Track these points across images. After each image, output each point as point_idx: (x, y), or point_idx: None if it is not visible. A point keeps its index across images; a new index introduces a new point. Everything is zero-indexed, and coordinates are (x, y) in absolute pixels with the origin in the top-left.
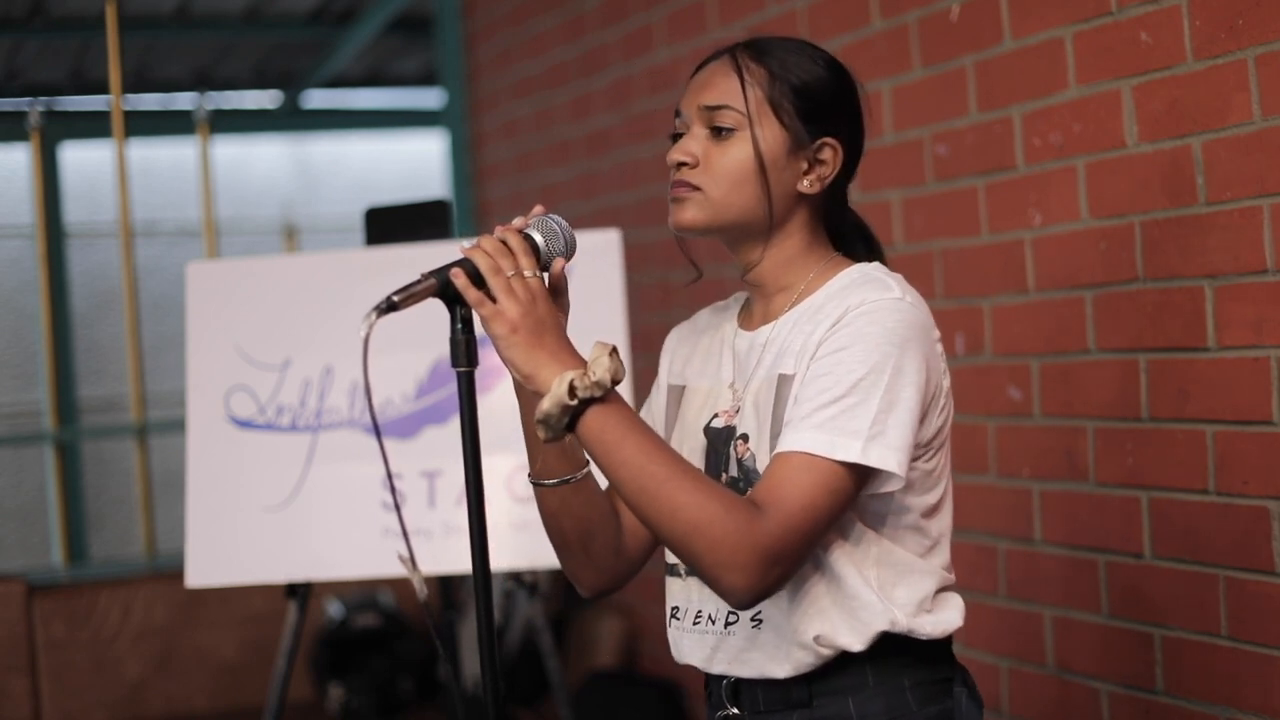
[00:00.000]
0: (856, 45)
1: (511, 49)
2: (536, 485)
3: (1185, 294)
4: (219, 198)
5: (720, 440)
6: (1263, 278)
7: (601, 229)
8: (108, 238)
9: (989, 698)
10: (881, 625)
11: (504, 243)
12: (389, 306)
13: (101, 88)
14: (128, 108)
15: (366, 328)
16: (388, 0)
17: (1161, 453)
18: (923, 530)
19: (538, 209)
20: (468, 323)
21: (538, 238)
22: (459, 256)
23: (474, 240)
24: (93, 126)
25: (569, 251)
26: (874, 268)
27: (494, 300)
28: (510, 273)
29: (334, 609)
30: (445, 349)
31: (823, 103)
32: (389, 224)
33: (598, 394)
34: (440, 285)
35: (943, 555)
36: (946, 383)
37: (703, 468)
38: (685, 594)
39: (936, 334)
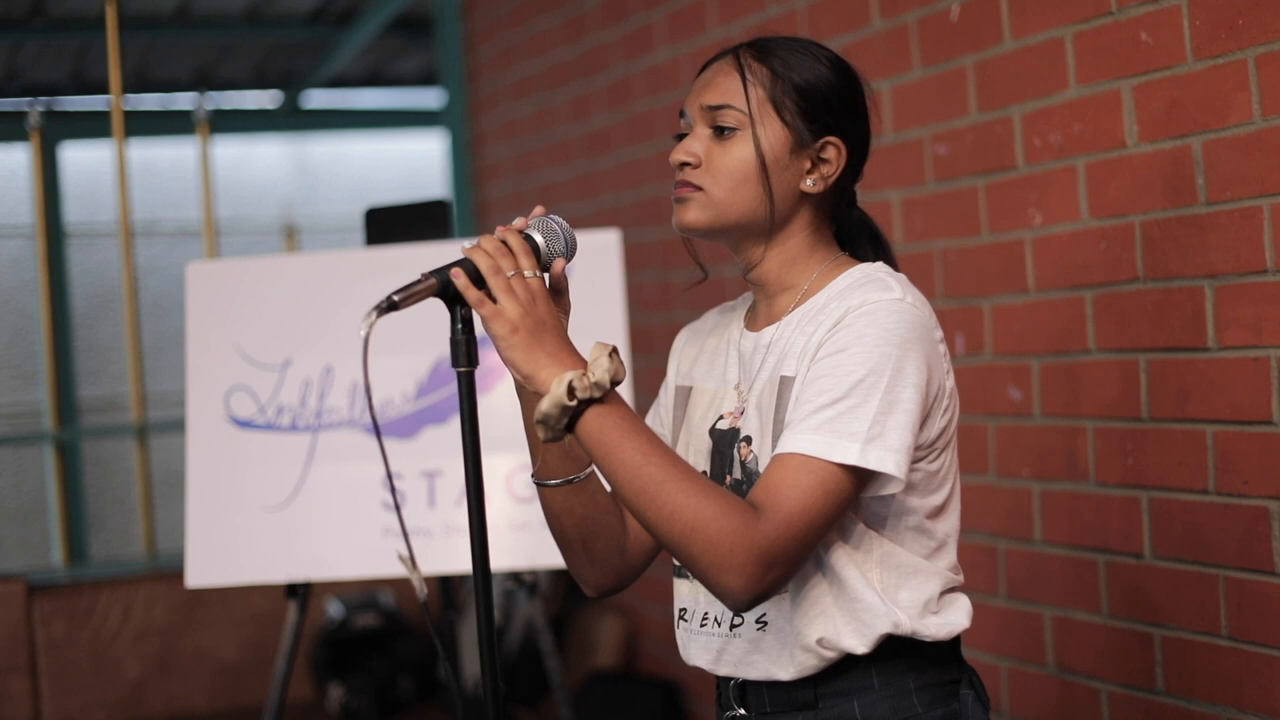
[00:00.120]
0: (856, 45)
1: (511, 49)
2: (540, 485)
3: (1185, 294)
4: (219, 198)
5: (725, 442)
6: (1263, 278)
7: (601, 229)
8: (108, 238)
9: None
10: (885, 628)
11: (504, 243)
12: (389, 306)
13: (101, 88)
14: (128, 108)
15: (367, 327)
16: (388, 0)
17: (1162, 453)
18: (928, 531)
19: (538, 209)
20: (468, 323)
21: (538, 238)
22: (459, 256)
23: (474, 240)
24: (93, 126)
25: (569, 252)
26: (876, 268)
27: (494, 300)
28: (510, 273)
29: (334, 609)
30: (445, 349)
31: (826, 101)
32: (389, 224)
33: (597, 395)
34: (440, 285)
35: (949, 556)
36: (950, 383)
37: (708, 470)
38: (693, 596)
39: (939, 334)
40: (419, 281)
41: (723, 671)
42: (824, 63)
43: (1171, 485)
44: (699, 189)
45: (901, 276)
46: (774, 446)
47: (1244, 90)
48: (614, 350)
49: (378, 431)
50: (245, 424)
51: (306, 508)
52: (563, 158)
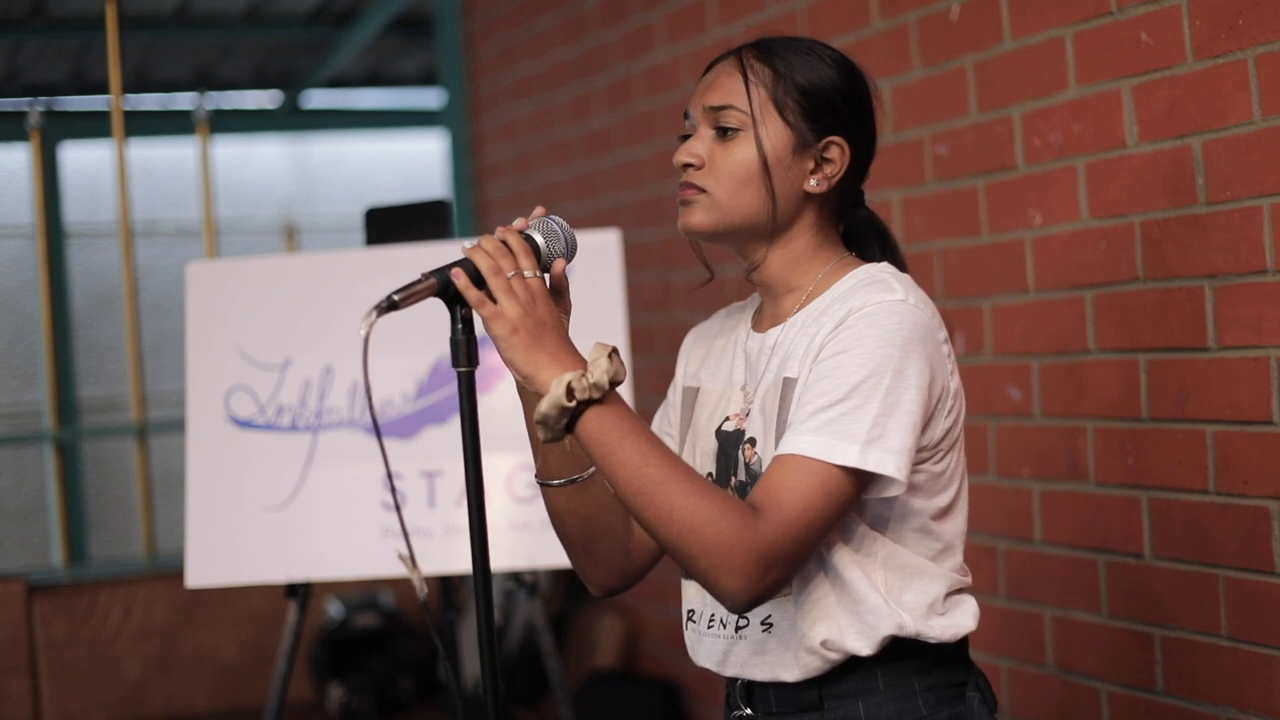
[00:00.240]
0: (856, 45)
1: (511, 49)
2: (543, 485)
3: (1185, 294)
4: (219, 198)
5: (730, 444)
6: (1263, 278)
7: (601, 229)
8: (108, 238)
9: None
10: (889, 629)
11: (504, 243)
12: (389, 305)
13: (101, 88)
14: (128, 108)
15: (367, 327)
16: (388, 0)
17: (1161, 453)
18: (933, 533)
19: (538, 210)
20: (468, 323)
21: (538, 238)
22: (459, 256)
23: (474, 240)
24: (93, 126)
25: (569, 252)
26: (881, 268)
27: (494, 300)
28: (510, 273)
29: (334, 609)
30: (446, 349)
31: (829, 101)
32: (389, 224)
33: (596, 395)
34: (441, 285)
35: (955, 558)
36: (955, 384)
37: (714, 471)
38: (700, 597)
39: (943, 334)
40: (419, 281)
41: (729, 672)
42: (828, 62)
43: (1171, 485)
44: (702, 191)
45: (906, 277)
46: (778, 448)
47: (1244, 90)
48: (614, 351)
49: (378, 431)
50: (245, 424)
51: (306, 508)
52: (563, 158)
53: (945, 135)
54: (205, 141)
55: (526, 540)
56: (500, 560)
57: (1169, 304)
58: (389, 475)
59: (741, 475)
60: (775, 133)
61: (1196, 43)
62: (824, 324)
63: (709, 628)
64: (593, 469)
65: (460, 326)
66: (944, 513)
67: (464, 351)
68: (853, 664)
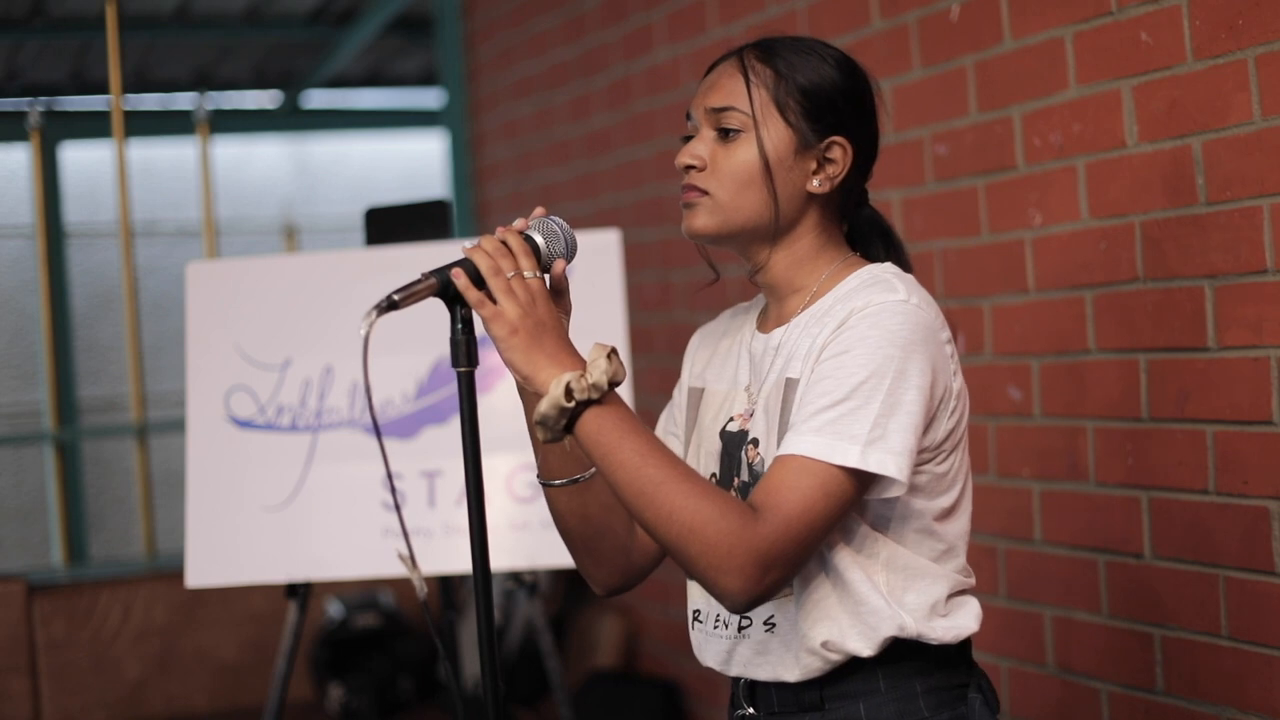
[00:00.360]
0: (856, 45)
1: (511, 49)
2: (544, 485)
3: (1185, 294)
4: (219, 198)
5: (734, 444)
6: (1263, 278)
7: (601, 229)
8: (108, 238)
9: None
10: (890, 631)
11: (504, 243)
12: (389, 305)
13: (101, 88)
14: (128, 108)
15: (367, 326)
16: (388, 0)
17: (1161, 453)
18: (935, 534)
19: (539, 210)
20: (468, 323)
21: (538, 239)
22: (459, 256)
23: (475, 240)
24: (93, 126)
25: (569, 253)
26: (884, 269)
27: (494, 301)
28: (510, 274)
29: (334, 609)
30: (446, 349)
31: (831, 101)
32: (389, 224)
33: (595, 396)
34: (441, 285)
35: (958, 559)
36: (958, 385)
37: (718, 472)
38: (705, 597)
39: (946, 335)
40: (419, 281)
41: (733, 672)
42: (829, 62)
43: (1171, 485)
44: (705, 193)
45: (909, 277)
46: (779, 448)
47: (1244, 90)
48: (613, 351)
49: (378, 431)
50: (245, 424)
51: (306, 508)
52: (563, 158)
53: (945, 135)
54: (205, 141)
55: (526, 540)
56: (500, 560)
57: (1169, 304)
58: (389, 475)
59: (745, 476)
60: (777, 133)
61: (1196, 43)
62: (826, 324)
63: (714, 628)
64: (594, 469)
65: (460, 326)
66: (947, 514)
67: (464, 351)
68: (854, 665)
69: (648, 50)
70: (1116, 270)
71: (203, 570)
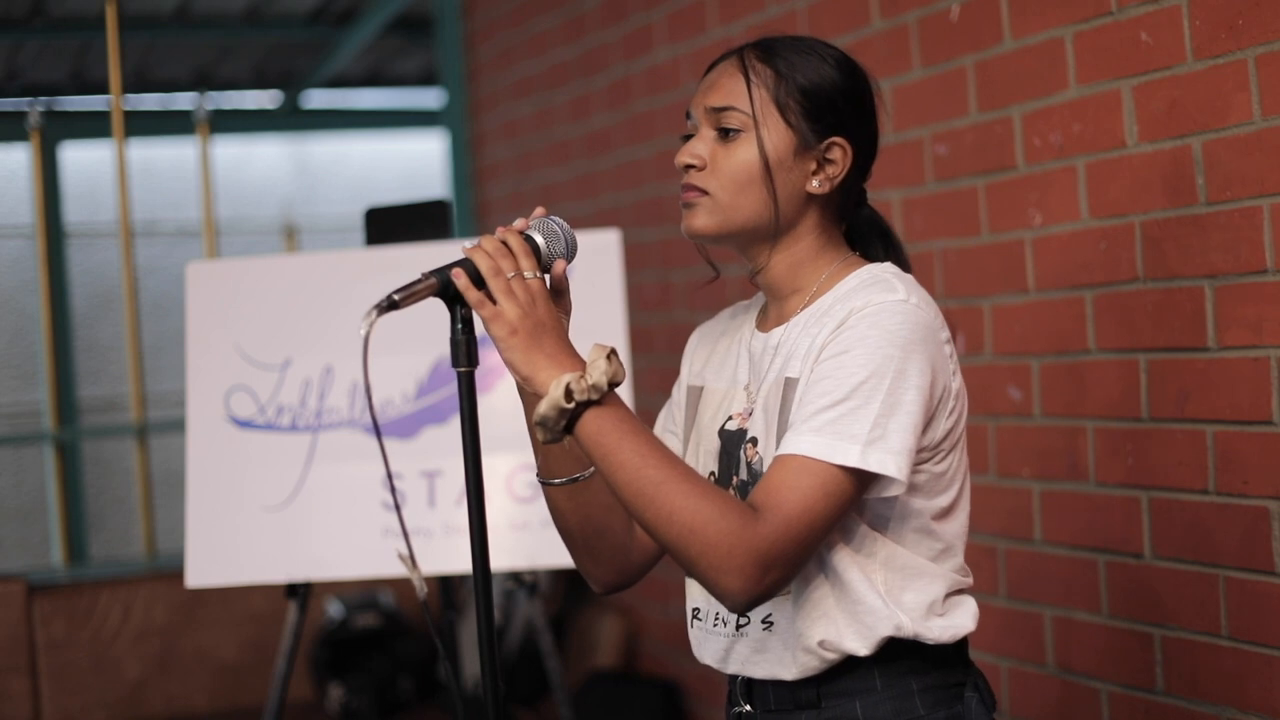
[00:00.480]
0: (856, 45)
1: (511, 49)
2: (544, 484)
3: (1185, 294)
4: (219, 198)
5: (733, 443)
6: (1263, 278)
7: (601, 229)
8: (108, 238)
9: None
10: (887, 630)
11: (504, 244)
12: (389, 305)
13: (101, 88)
14: (128, 108)
15: (367, 326)
16: (388, 0)
17: (1161, 453)
18: (934, 533)
19: (539, 210)
20: (468, 323)
21: (538, 239)
22: (460, 256)
23: (475, 240)
24: (93, 126)
25: (570, 253)
26: (883, 269)
27: (494, 301)
28: (510, 274)
29: (334, 609)
30: (446, 349)
31: (831, 102)
32: (389, 224)
33: (594, 397)
34: (441, 285)
35: (956, 558)
36: (957, 384)
37: (717, 470)
38: (705, 595)
39: (945, 335)
40: (419, 281)
41: (730, 669)
42: (829, 62)
43: (1171, 485)
44: (704, 193)
45: (908, 277)
46: (779, 448)
47: (1244, 90)
48: (612, 352)
49: (378, 431)
50: (245, 424)
51: (306, 508)
52: (563, 158)
53: (945, 135)
54: (205, 141)
55: (526, 540)
56: (500, 560)
57: (1169, 304)
58: (389, 475)
59: (743, 475)
60: (777, 134)
61: (1196, 43)
62: (826, 324)
63: (713, 626)
64: (593, 468)
65: (460, 326)
66: (945, 513)
67: (464, 351)
68: (851, 663)
69: (648, 50)
70: (1116, 270)
71: (203, 570)
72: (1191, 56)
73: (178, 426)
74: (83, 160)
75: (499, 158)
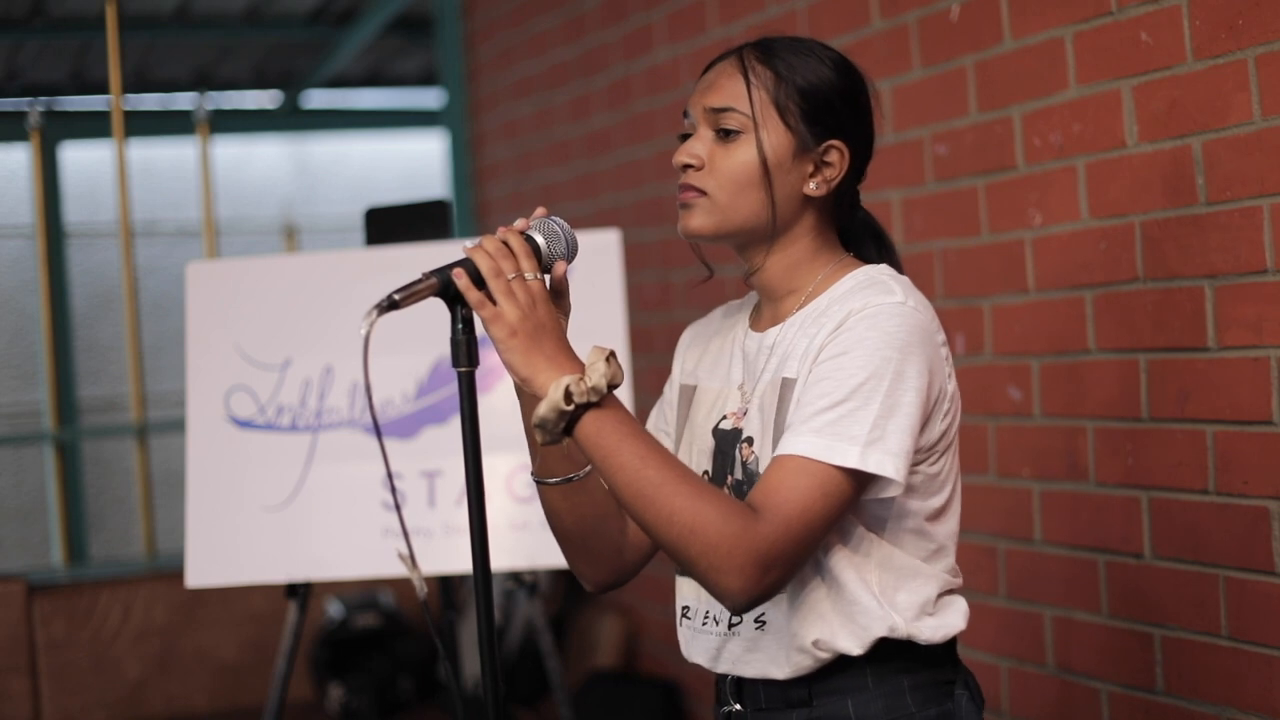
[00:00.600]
0: (856, 45)
1: (511, 49)
2: (539, 484)
3: (1185, 294)
4: (219, 198)
5: (727, 442)
6: (1263, 278)
7: (601, 229)
8: (108, 238)
9: (989, 698)
10: (880, 631)
11: (505, 244)
12: (390, 305)
13: (101, 88)
14: (128, 108)
15: (367, 326)
16: (388, 0)
17: (1161, 453)
18: (927, 534)
19: (540, 210)
20: (468, 323)
21: (539, 239)
22: (460, 256)
23: (476, 240)
24: (93, 126)
25: (570, 254)
26: (880, 270)
27: (494, 302)
28: (511, 275)
29: (334, 609)
30: (446, 349)
31: (830, 105)
32: (389, 224)
33: (594, 399)
34: (441, 285)
35: (948, 559)
36: (952, 386)
37: (710, 470)
38: (695, 594)
39: (941, 337)
40: (420, 281)
41: (721, 669)
42: (828, 64)
43: (1171, 485)
44: (702, 193)
45: (904, 279)
46: (774, 447)
47: (1244, 90)
48: (611, 354)
49: (378, 431)
50: (245, 424)
51: (306, 508)
52: (563, 158)
53: (945, 135)
54: (205, 141)
55: (526, 540)
56: (500, 560)
57: (1169, 304)
58: (389, 475)
59: (738, 474)
60: (776, 136)
61: (1196, 43)
62: (823, 325)
63: (703, 625)
64: (588, 468)
65: (460, 326)
66: (938, 514)
67: (464, 351)
68: (843, 662)
69: (648, 50)
70: (1116, 270)
71: (203, 570)
72: (1191, 56)
73: (178, 426)
74: (83, 160)
75: (499, 158)
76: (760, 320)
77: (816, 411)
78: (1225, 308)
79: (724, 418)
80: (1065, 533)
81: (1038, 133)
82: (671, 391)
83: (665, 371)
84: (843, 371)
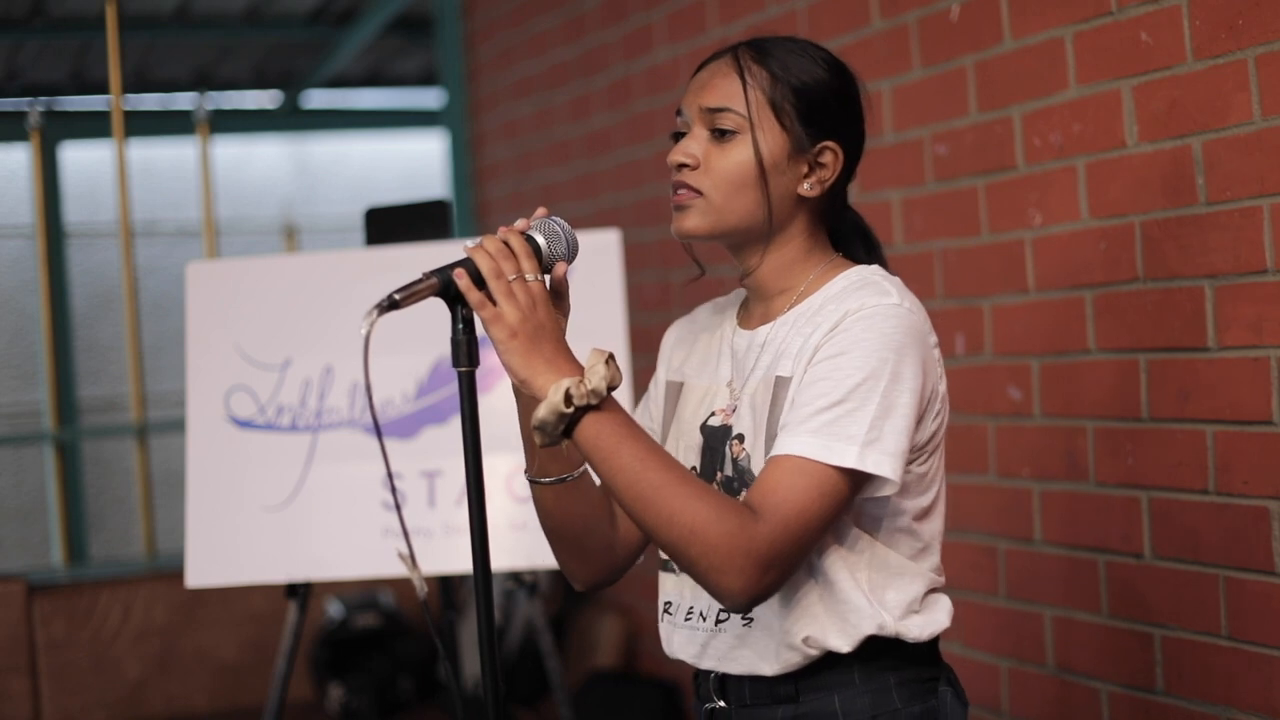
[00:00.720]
0: (856, 45)
1: (511, 49)
2: (533, 483)
3: (1185, 294)
4: (219, 198)
5: (716, 439)
6: (1263, 278)
7: (601, 229)
8: (108, 238)
9: (989, 698)
10: (870, 629)
11: (506, 244)
12: (390, 304)
13: (101, 88)
14: (128, 108)
15: (367, 325)
16: (388, 0)
17: (1161, 453)
18: (914, 533)
19: (540, 210)
20: (469, 323)
21: (540, 240)
22: (460, 256)
23: (476, 239)
24: (93, 126)
25: (570, 254)
26: (872, 271)
27: (494, 303)
28: (511, 276)
29: (334, 609)
30: (446, 349)
31: (824, 106)
32: (389, 224)
33: (594, 402)
34: (442, 285)
35: (933, 558)
36: (943, 387)
37: (698, 465)
38: (678, 589)
39: (934, 339)
40: (420, 281)
41: (705, 665)
42: (821, 65)
43: (1171, 485)
44: (698, 193)
45: (897, 280)
46: (768, 445)
47: (1244, 90)
48: (610, 356)
49: (378, 431)
50: (245, 424)
51: (306, 508)
52: (563, 158)
53: (945, 135)
54: (205, 141)
55: (526, 540)
56: (500, 560)
57: (1169, 304)
58: (389, 475)
59: (728, 471)
60: (772, 136)
61: (1196, 43)
62: (819, 324)
63: (686, 620)
64: (582, 469)
65: (461, 326)
66: (925, 513)
67: (464, 351)
68: (830, 659)
69: (648, 50)
70: (1116, 270)
71: (203, 570)
72: (1191, 56)
73: (178, 426)
74: (83, 160)
75: (499, 158)
76: (750, 318)
77: (814, 412)
78: (1225, 308)
79: (712, 414)
80: (1065, 533)
81: (1038, 133)
82: (657, 390)
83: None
84: (840, 372)
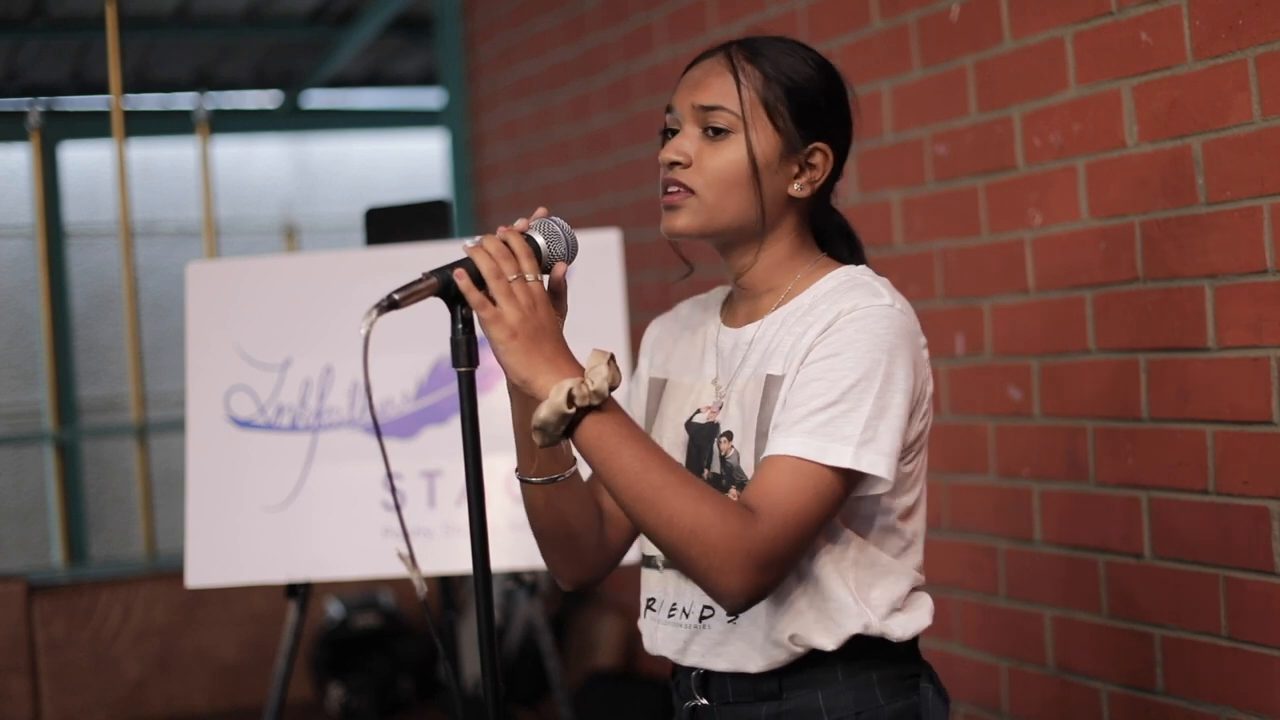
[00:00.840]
0: (856, 45)
1: (511, 49)
2: (524, 482)
3: (1185, 294)
4: (219, 198)
5: (703, 436)
6: (1263, 278)
7: (601, 229)
8: (108, 238)
9: (989, 698)
10: (855, 628)
11: (506, 244)
12: (390, 304)
13: (101, 88)
14: (128, 108)
15: (367, 325)
16: (388, 0)
17: (1161, 453)
18: (898, 531)
19: (540, 210)
20: (468, 323)
21: (540, 240)
22: (460, 256)
23: (476, 239)
24: (93, 126)
25: (570, 254)
26: (861, 271)
27: (494, 303)
28: (511, 276)
29: (334, 609)
30: (446, 349)
31: (815, 106)
32: (389, 224)
33: (595, 403)
34: (442, 284)
35: (916, 556)
36: (930, 388)
37: (684, 462)
38: (662, 586)
39: (923, 339)
40: (420, 280)
41: (689, 662)
42: (811, 66)
43: (1171, 485)
44: (690, 192)
45: (886, 280)
46: (758, 443)
47: (1244, 90)
48: (611, 357)
49: (378, 431)
50: (245, 424)
51: (306, 508)
52: (563, 158)
53: (945, 135)
54: (205, 141)
55: (526, 540)
56: (500, 560)
57: (1169, 304)
58: (389, 475)
59: (716, 468)
60: (765, 136)
61: (1196, 43)
62: (811, 324)
63: (669, 616)
64: (573, 468)
65: (461, 326)
66: (909, 511)
67: (464, 351)
68: (813, 656)
69: (648, 50)
70: (1116, 270)
71: (203, 570)
72: (1191, 56)
73: (178, 426)
74: (83, 160)
75: (499, 158)
76: (735, 316)
77: (809, 412)
78: (1225, 308)
79: (698, 411)
80: (1065, 533)
81: (1038, 133)
82: (638, 388)
83: None
84: (834, 373)
